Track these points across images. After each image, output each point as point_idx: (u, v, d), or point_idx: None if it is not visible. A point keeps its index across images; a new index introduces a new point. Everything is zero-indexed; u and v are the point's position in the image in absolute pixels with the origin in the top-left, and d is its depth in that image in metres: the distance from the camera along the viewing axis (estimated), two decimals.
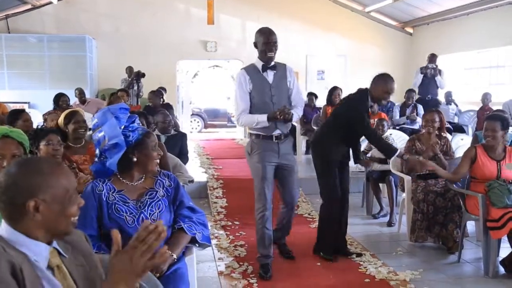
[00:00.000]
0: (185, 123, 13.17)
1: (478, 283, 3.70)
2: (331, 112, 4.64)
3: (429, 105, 7.65)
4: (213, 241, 4.49)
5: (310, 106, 9.20)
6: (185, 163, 4.55)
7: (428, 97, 8.46)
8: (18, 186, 1.36)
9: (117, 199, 2.42)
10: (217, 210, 5.64)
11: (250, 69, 3.80)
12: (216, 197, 6.08)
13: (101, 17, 11.78)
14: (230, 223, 5.21)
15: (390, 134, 5.82)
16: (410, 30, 12.91)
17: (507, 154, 3.99)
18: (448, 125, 7.16)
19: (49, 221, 1.39)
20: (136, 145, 2.43)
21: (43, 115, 6.16)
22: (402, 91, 8.13)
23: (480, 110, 8.24)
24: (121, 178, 2.47)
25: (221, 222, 5.24)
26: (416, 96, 8.50)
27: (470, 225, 4.57)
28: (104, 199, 2.40)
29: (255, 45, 3.76)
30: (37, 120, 6.42)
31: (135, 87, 9.44)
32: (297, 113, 3.79)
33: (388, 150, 4.11)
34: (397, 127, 7.38)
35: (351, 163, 4.32)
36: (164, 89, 9.69)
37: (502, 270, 3.85)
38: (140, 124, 2.59)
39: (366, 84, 4.17)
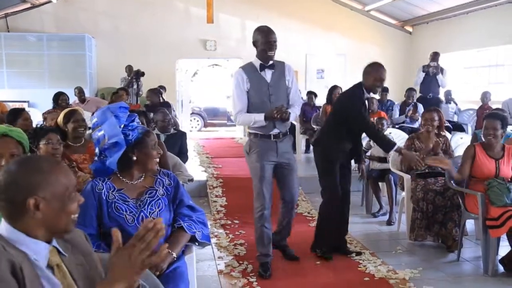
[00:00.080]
0: (185, 122, 13.16)
1: (477, 281, 3.70)
2: (330, 111, 4.64)
3: (430, 103, 7.62)
4: (213, 240, 4.49)
5: (309, 105, 9.21)
6: (184, 162, 4.55)
7: (430, 96, 8.44)
8: (17, 185, 1.36)
9: (117, 198, 2.42)
10: (216, 209, 5.65)
11: (247, 68, 3.78)
12: (216, 196, 6.08)
13: (101, 16, 11.77)
14: (229, 222, 5.21)
15: (390, 133, 5.82)
16: (409, 29, 12.91)
17: (506, 153, 4.00)
18: (448, 124, 7.17)
19: (49, 219, 1.39)
20: (135, 144, 2.44)
21: (43, 114, 6.16)
22: (402, 89, 8.14)
23: (479, 109, 8.24)
24: (121, 177, 2.47)
25: (221, 221, 5.24)
26: (418, 95, 8.50)
27: (470, 224, 4.58)
28: (104, 198, 2.41)
29: (254, 43, 3.74)
30: (36, 119, 6.41)
31: (135, 86, 9.44)
32: (294, 112, 3.77)
33: (386, 144, 4.10)
34: (396, 126, 7.38)
35: (352, 162, 4.33)
36: (164, 88, 9.69)
37: (501, 268, 3.85)
38: (140, 123, 2.60)
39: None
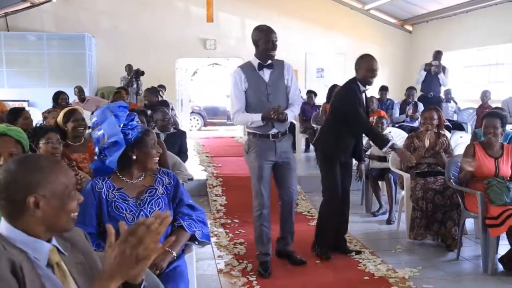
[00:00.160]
0: (185, 121, 13.17)
1: (477, 280, 3.70)
2: (330, 110, 4.64)
3: (431, 102, 7.61)
4: (213, 239, 4.49)
5: (309, 104, 9.21)
6: (184, 161, 4.55)
7: (430, 95, 8.43)
8: (17, 183, 1.37)
9: (116, 197, 2.42)
10: (216, 208, 5.65)
11: (246, 68, 3.76)
12: (216, 195, 6.09)
13: (100, 15, 11.77)
14: (229, 221, 5.21)
15: (389, 132, 5.83)
16: (409, 28, 12.91)
17: (505, 152, 4.01)
18: (447, 123, 7.17)
19: (49, 217, 1.39)
20: (135, 143, 2.44)
21: (43, 113, 6.16)
22: (402, 88, 8.14)
23: (479, 108, 8.24)
24: (120, 176, 2.48)
25: (221, 220, 5.25)
26: (419, 93, 8.50)
27: (469, 223, 4.58)
28: (104, 197, 2.41)
29: (255, 42, 3.70)
30: (36, 118, 6.42)
31: (135, 85, 9.45)
32: (293, 112, 3.75)
33: (380, 140, 4.09)
34: (396, 125, 7.38)
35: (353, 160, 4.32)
36: (164, 87, 9.69)
37: (500, 267, 3.85)
38: (140, 122, 2.60)
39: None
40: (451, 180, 4.14)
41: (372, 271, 3.80)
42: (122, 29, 11.66)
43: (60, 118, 3.73)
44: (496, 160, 3.97)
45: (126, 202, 2.42)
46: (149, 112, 5.28)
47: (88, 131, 3.64)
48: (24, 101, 10.25)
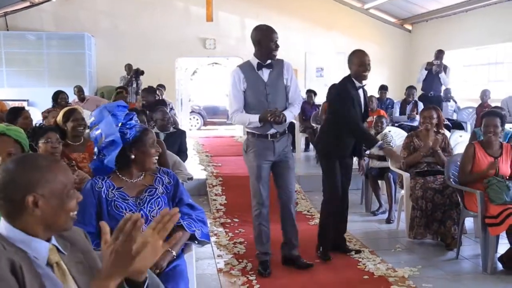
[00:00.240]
0: (184, 120, 13.17)
1: (476, 279, 3.71)
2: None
3: (432, 101, 7.60)
4: (212, 238, 4.49)
5: (309, 103, 9.22)
6: (184, 161, 4.55)
7: (431, 94, 8.41)
8: (16, 183, 1.37)
9: (116, 196, 2.42)
10: (216, 207, 5.65)
11: (245, 67, 3.73)
12: (215, 195, 6.09)
13: (100, 15, 11.77)
14: (229, 221, 5.22)
15: (389, 131, 5.83)
16: (409, 27, 12.91)
17: (504, 151, 4.02)
18: (447, 122, 7.17)
19: (48, 216, 1.39)
20: (133, 142, 2.44)
21: (42, 113, 6.17)
22: (401, 88, 8.14)
23: (479, 107, 8.23)
24: (120, 175, 2.48)
25: (220, 219, 5.25)
26: (419, 92, 8.49)
27: (469, 222, 4.58)
28: (104, 196, 2.41)
29: (257, 42, 3.65)
30: (36, 118, 6.42)
31: (134, 85, 9.45)
32: (292, 112, 3.71)
33: (368, 140, 4.09)
34: (396, 124, 7.38)
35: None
36: (163, 87, 9.69)
37: (500, 266, 3.86)
38: (138, 122, 2.60)
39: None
40: (451, 179, 4.15)
41: (372, 270, 3.80)
42: (122, 29, 11.65)
43: (59, 117, 3.73)
44: (496, 159, 3.97)
45: (126, 201, 2.43)
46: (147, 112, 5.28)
47: (87, 130, 3.64)
48: (24, 100, 10.24)
